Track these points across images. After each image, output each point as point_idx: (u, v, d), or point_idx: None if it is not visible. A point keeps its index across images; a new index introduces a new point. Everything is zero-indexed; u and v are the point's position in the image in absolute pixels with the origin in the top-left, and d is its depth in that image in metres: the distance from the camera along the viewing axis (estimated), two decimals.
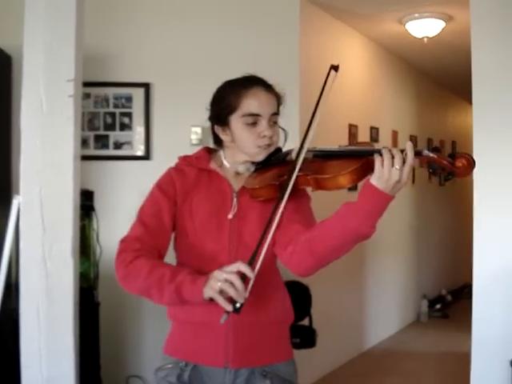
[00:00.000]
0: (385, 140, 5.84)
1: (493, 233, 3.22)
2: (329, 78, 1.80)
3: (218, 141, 1.99)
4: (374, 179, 1.60)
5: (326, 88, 1.78)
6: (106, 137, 4.05)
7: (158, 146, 4.08)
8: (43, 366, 2.67)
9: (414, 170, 1.63)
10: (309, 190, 1.85)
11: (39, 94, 2.66)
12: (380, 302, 6.01)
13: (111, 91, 4.05)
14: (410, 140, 6.61)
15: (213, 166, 1.97)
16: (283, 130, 1.99)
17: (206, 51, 4.10)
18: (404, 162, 1.58)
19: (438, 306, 7.21)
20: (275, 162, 1.91)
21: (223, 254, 1.85)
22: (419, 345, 5.94)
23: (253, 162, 1.94)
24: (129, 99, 4.06)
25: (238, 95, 1.87)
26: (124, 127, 4.07)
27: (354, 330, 5.53)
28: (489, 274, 3.22)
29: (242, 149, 1.91)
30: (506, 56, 3.18)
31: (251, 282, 1.62)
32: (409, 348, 5.82)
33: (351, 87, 5.13)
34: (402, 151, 1.59)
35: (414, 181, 6.44)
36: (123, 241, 1.88)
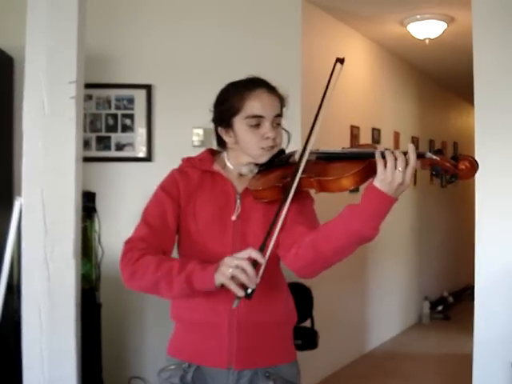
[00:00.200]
0: (386, 141, 5.84)
1: (494, 235, 3.21)
2: (334, 71, 1.79)
3: (221, 142, 1.99)
4: (377, 181, 1.60)
5: (331, 81, 1.78)
6: (108, 138, 4.06)
7: (159, 147, 4.08)
8: (45, 368, 2.67)
9: (415, 172, 1.62)
10: (312, 192, 1.85)
11: (41, 95, 2.67)
12: (382, 304, 6.00)
13: (113, 93, 4.05)
14: (412, 142, 6.61)
15: (216, 167, 1.97)
16: (286, 131, 1.99)
17: (207, 53, 4.10)
18: (407, 164, 1.58)
19: (440, 308, 7.21)
20: (278, 163, 1.91)
21: (226, 256, 1.85)
22: (421, 346, 5.93)
23: (256, 164, 1.94)
24: (131, 101, 4.07)
25: (241, 97, 1.87)
26: (126, 129, 4.07)
27: (355, 331, 5.52)
28: (490, 276, 3.22)
29: (246, 150, 1.91)
30: (508, 57, 3.18)
31: (262, 268, 1.63)
32: (410, 350, 5.81)
33: (353, 88, 5.13)
34: (405, 153, 1.60)
35: (415, 183, 6.44)
36: (128, 242, 1.88)
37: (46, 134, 2.68)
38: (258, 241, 1.70)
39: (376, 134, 5.75)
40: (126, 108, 4.06)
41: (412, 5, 4.61)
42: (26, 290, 2.68)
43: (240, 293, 1.60)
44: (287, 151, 1.96)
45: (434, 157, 1.61)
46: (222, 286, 1.65)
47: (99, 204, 3.61)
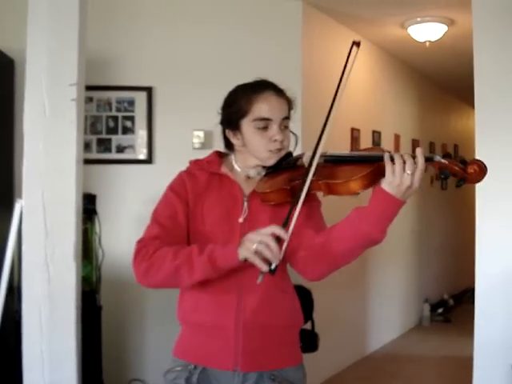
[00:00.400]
0: (387, 144, 5.84)
1: (495, 237, 3.21)
2: (351, 55, 1.81)
3: (229, 145, 2.00)
4: (386, 184, 1.60)
5: (348, 65, 1.80)
6: (109, 140, 4.06)
7: (160, 149, 4.08)
8: (45, 370, 2.66)
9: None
10: (320, 194, 1.85)
11: (42, 97, 2.67)
12: (382, 306, 6.00)
13: (114, 95, 4.05)
14: (412, 144, 6.62)
15: (224, 169, 1.98)
16: (294, 134, 1.99)
17: (208, 55, 4.10)
18: (415, 167, 1.58)
19: (440, 311, 7.21)
20: (286, 166, 1.91)
21: None
22: (421, 349, 5.93)
23: (264, 167, 1.94)
24: (131, 103, 4.07)
25: (249, 99, 1.88)
26: (126, 131, 4.07)
27: (356, 334, 5.52)
28: (491, 278, 3.22)
29: (253, 153, 1.92)
30: (508, 60, 3.18)
31: (285, 244, 1.64)
32: (411, 352, 5.81)
33: (354, 91, 5.13)
34: (414, 157, 1.60)
35: None
36: (140, 241, 1.87)
37: (46, 136, 2.68)
38: None
39: (376, 137, 5.75)
40: (126, 110, 4.07)
41: (412, 7, 4.61)
42: (27, 292, 2.68)
43: (264, 267, 1.61)
44: (294, 154, 1.97)
45: (443, 160, 1.61)
46: (246, 261, 1.66)
47: (100, 206, 3.61)
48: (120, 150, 4.07)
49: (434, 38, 5.04)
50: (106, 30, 3.94)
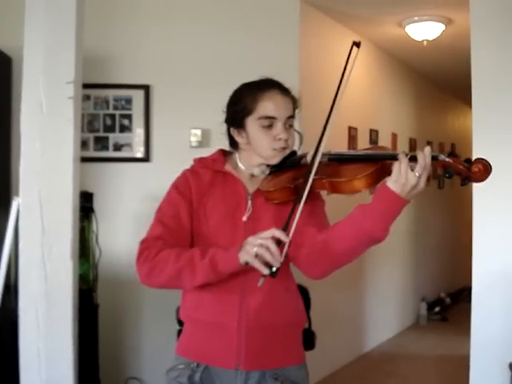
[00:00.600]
0: (384, 143, 5.83)
1: (492, 236, 3.22)
2: (351, 56, 1.81)
3: (233, 143, 2.00)
4: (391, 182, 1.60)
5: (348, 65, 1.80)
6: (106, 139, 4.05)
7: (157, 147, 4.08)
8: (42, 368, 2.67)
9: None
10: (324, 193, 1.85)
11: (39, 95, 2.67)
12: (379, 305, 6.01)
13: (111, 93, 4.05)
14: (410, 143, 6.63)
15: (228, 168, 1.97)
16: (299, 133, 1.99)
17: (205, 54, 4.10)
18: (422, 166, 1.58)
19: (437, 309, 7.21)
20: (290, 165, 1.91)
21: None
22: (418, 348, 5.93)
23: (268, 165, 1.94)
24: (128, 101, 4.06)
25: (254, 98, 1.88)
26: (124, 129, 4.07)
27: (353, 332, 5.52)
28: (487, 277, 3.22)
29: (258, 151, 1.92)
30: (506, 59, 3.18)
31: (286, 247, 1.64)
32: (408, 351, 5.82)
33: (351, 89, 5.10)
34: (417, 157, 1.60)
35: None
36: (144, 241, 1.88)
37: (43, 134, 2.68)
38: None
39: (374, 136, 5.76)
40: (123, 108, 4.06)
41: (410, 6, 4.61)
42: (23, 290, 2.68)
43: (265, 271, 1.62)
44: (299, 153, 1.96)
45: (448, 159, 1.61)
46: (247, 264, 1.66)
47: (97, 204, 3.61)
48: (117, 148, 4.06)
49: (431, 37, 5.04)
50: (104, 28, 3.93)
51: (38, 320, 2.66)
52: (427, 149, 1.60)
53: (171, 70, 4.10)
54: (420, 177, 1.58)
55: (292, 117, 1.93)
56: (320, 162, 1.74)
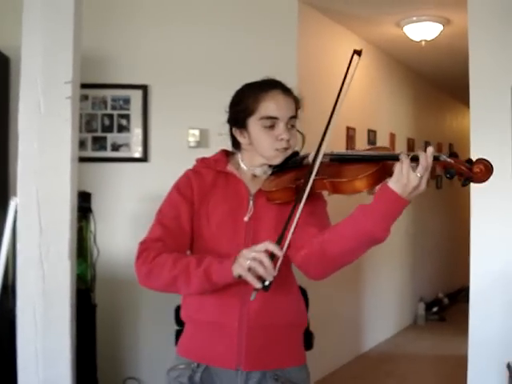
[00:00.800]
0: (382, 143, 5.84)
1: (490, 236, 3.22)
2: (351, 64, 1.79)
3: (235, 143, 1.99)
4: (392, 182, 1.60)
5: (348, 73, 1.79)
6: (104, 139, 4.05)
7: (155, 147, 4.08)
8: (39, 368, 2.66)
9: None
10: (325, 194, 1.85)
11: (37, 95, 2.67)
12: (377, 305, 6.01)
13: (109, 93, 4.04)
14: (408, 143, 6.63)
15: (230, 168, 1.97)
16: (301, 133, 1.99)
17: (203, 54, 4.10)
18: (424, 167, 1.58)
19: (435, 309, 7.22)
20: (292, 165, 1.91)
21: None
22: (416, 348, 5.94)
23: (270, 165, 1.94)
24: (127, 101, 4.06)
25: (256, 98, 1.88)
26: (122, 129, 4.06)
27: (351, 332, 5.53)
28: (485, 277, 3.23)
29: (260, 151, 1.91)
30: (504, 59, 3.19)
31: (280, 261, 1.63)
32: (406, 351, 5.82)
33: (349, 90, 5.12)
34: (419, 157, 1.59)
35: None
36: (143, 242, 1.87)
37: (41, 134, 2.68)
38: None
39: (372, 136, 5.76)
40: (121, 108, 4.06)
41: (408, 6, 4.62)
42: (21, 290, 2.68)
43: (257, 284, 1.61)
44: (301, 153, 1.96)
45: (449, 160, 1.60)
46: (240, 277, 1.66)
47: (95, 204, 3.60)
48: (115, 148, 4.06)
49: (429, 38, 5.04)
50: (102, 28, 3.93)
51: (36, 320, 2.66)
52: (430, 149, 1.59)
53: (169, 70, 4.10)
54: (422, 177, 1.58)
55: (294, 117, 1.92)
56: (321, 163, 1.74)
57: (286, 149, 1.90)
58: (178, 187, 1.95)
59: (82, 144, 3.83)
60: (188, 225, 1.91)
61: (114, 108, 4.05)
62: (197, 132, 4.01)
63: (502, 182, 3.11)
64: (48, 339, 2.67)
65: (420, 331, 6.62)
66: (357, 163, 1.72)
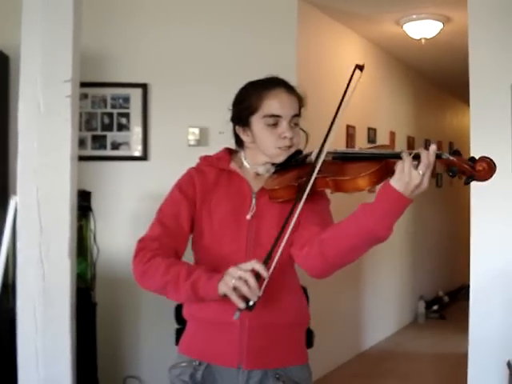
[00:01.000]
0: (382, 141, 5.84)
1: (489, 234, 3.22)
2: (353, 78, 1.79)
3: (238, 141, 1.99)
4: (394, 181, 1.59)
5: (349, 88, 1.79)
6: (104, 137, 4.05)
7: (155, 146, 4.07)
8: (40, 367, 2.66)
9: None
10: (328, 192, 1.85)
11: (36, 94, 2.66)
12: (377, 303, 6.01)
13: (109, 92, 4.04)
14: (408, 141, 6.63)
15: (233, 166, 1.97)
16: (304, 132, 1.98)
17: (203, 52, 4.09)
18: (426, 165, 1.57)
19: (435, 308, 7.22)
20: (295, 163, 1.90)
21: (240, 255, 1.84)
22: (416, 346, 5.94)
23: (273, 164, 1.93)
24: (126, 100, 4.06)
25: (259, 96, 1.87)
26: (121, 128, 4.06)
27: (351, 331, 5.53)
28: (485, 275, 3.23)
29: (263, 150, 1.91)
30: (504, 57, 3.19)
31: (265, 282, 1.62)
32: (406, 349, 5.82)
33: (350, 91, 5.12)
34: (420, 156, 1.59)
35: None
36: (141, 240, 1.87)
37: (41, 132, 2.67)
38: (271, 240, 1.69)
39: (372, 134, 5.76)
40: (121, 107, 4.06)
41: (408, 5, 4.61)
42: (21, 289, 2.68)
43: (241, 304, 1.60)
44: (304, 152, 1.96)
45: (451, 158, 1.60)
46: (225, 296, 1.64)
47: (95, 203, 3.60)
48: (115, 146, 4.06)
49: (429, 36, 5.04)
50: (102, 27, 3.93)
51: (36, 319, 2.66)
52: (433, 147, 1.58)
53: (169, 69, 4.10)
54: (423, 175, 1.57)
55: (297, 115, 1.92)
56: (324, 161, 1.74)
57: (288, 147, 1.89)
58: (179, 186, 1.95)
59: (81, 143, 3.83)
60: (187, 224, 1.91)
61: (113, 107, 4.05)
62: (197, 130, 4.01)
63: (502, 180, 3.10)
64: (48, 338, 2.67)
65: (420, 329, 6.62)
66: (359, 161, 1.72)
